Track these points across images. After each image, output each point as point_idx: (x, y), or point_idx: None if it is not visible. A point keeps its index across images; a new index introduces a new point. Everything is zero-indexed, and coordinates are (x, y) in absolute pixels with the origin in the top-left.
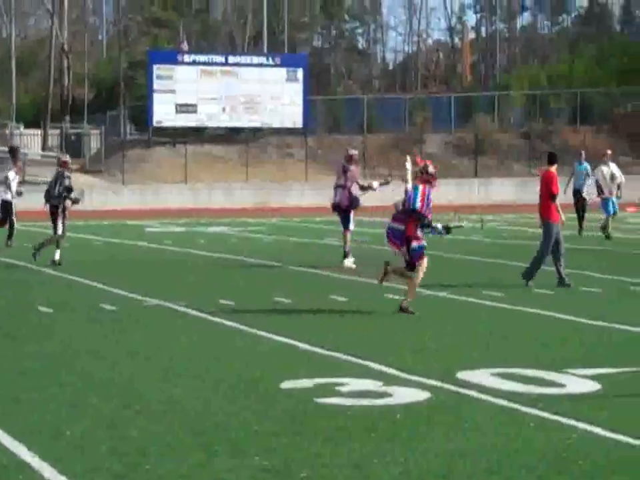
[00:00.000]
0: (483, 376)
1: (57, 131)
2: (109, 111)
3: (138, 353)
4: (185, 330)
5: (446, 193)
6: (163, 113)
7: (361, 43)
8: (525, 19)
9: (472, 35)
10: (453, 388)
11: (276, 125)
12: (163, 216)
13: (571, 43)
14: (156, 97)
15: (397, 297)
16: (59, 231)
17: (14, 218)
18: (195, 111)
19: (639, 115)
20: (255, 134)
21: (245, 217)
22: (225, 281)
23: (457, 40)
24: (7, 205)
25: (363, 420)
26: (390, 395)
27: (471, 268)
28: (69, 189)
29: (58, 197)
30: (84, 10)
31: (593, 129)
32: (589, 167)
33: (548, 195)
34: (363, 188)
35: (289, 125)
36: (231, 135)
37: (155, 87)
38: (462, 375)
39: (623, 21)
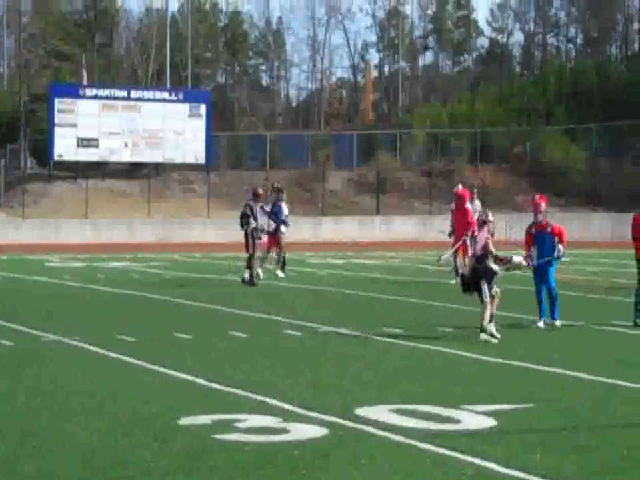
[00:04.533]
0: (381, 412)
1: None
2: (9, 144)
3: (35, 388)
4: (83, 366)
5: (348, 230)
6: (64, 147)
7: (265, 80)
8: (427, 58)
9: (375, 74)
10: (351, 424)
11: (178, 160)
12: (64, 251)
13: (472, 82)
14: (57, 130)
15: (295, 333)
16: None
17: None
18: (97, 146)
19: (537, 154)
20: (157, 169)
21: (147, 252)
22: (125, 316)
23: (359, 78)
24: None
25: (261, 456)
26: (288, 431)
27: (372, 305)
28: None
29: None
30: None
31: (492, 168)
32: (479, 205)
33: None
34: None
35: (191, 160)
36: (132, 170)
37: (56, 120)
38: (360, 411)
39: (522, 62)
